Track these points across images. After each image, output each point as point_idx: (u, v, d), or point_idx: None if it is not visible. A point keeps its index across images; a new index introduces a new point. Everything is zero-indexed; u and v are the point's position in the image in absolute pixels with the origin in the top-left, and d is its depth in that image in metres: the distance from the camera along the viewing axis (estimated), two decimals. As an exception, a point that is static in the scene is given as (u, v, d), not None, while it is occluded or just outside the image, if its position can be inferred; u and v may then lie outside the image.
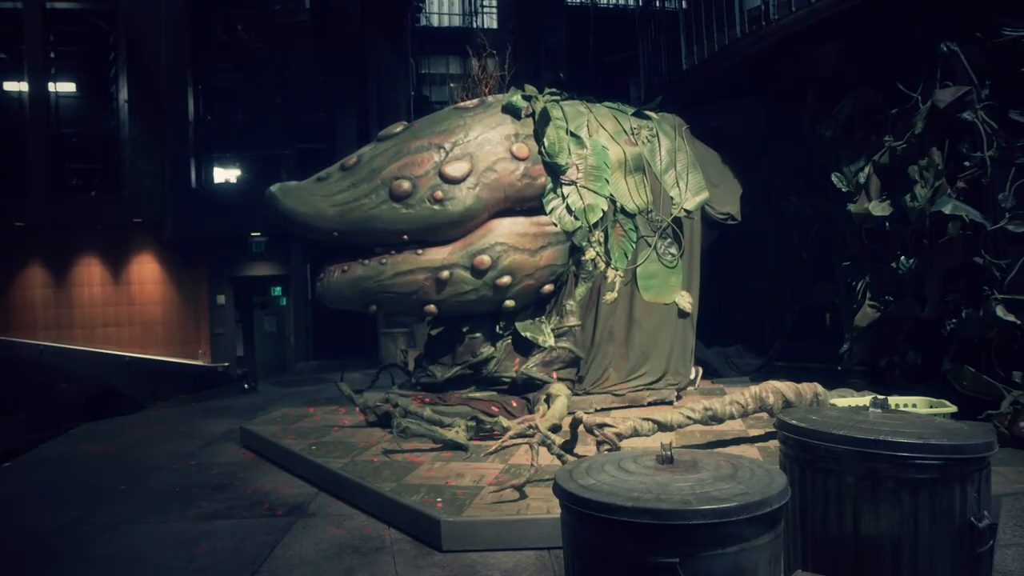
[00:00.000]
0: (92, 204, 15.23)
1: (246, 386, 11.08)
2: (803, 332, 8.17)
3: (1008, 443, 4.94)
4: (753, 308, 8.91)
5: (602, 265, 6.72)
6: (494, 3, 14.46)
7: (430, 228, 6.18)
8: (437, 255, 6.23)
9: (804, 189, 7.87)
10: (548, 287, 6.60)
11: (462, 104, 6.87)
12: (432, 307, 6.36)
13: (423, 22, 15.15)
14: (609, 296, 6.78)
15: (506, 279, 6.31)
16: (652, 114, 7.47)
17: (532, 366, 6.52)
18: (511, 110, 6.62)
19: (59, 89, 15.33)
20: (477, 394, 6.59)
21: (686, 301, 7.10)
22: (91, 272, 15.17)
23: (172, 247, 15.09)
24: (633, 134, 7.00)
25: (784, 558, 2.47)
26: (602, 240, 6.71)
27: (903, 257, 6.35)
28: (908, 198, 6.16)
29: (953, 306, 5.96)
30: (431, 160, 6.19)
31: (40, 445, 7.39)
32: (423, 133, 6.42)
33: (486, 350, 6.64)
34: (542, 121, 6.55)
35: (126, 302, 15.25)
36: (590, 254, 6.67)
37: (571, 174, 6.55)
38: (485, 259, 6.21)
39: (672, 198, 7.07)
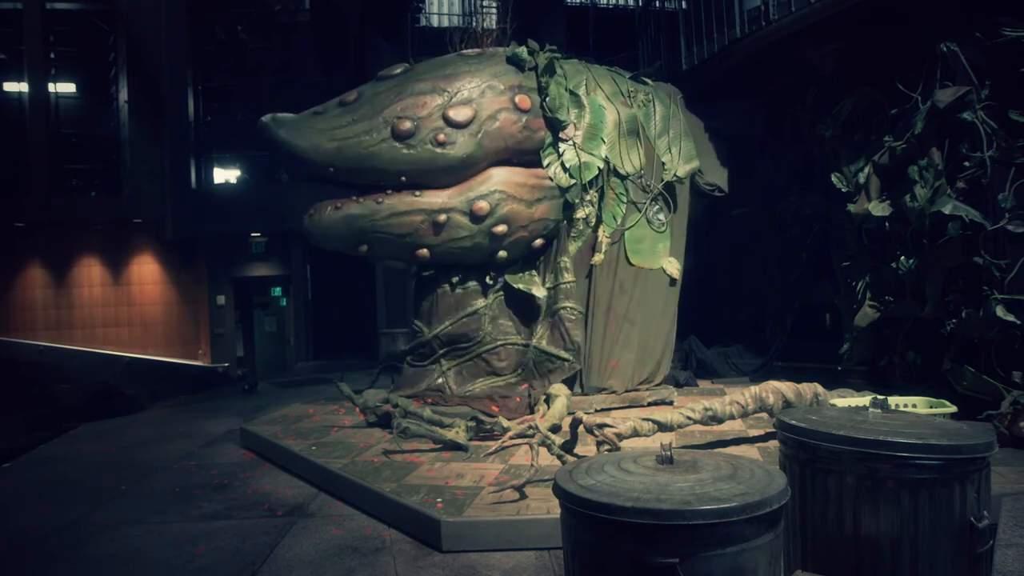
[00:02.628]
0: (92, 204, 15.21)
1: (246, 386, 11.08)
2: (803, 332, 8.17)
3: (1008, 443, 4.94)
4: (753, 308, 8.91)
5: (593, 224, 6.70)
6: (494, 3, 14.45)
7: (430, 171, 6.14)
8: (435, 198, 6.19)
9: (804, 189, 7.87)
10: (539, 241, 6.60)
11: (465, 52, 6.83)
12: (424, 251, 6.30)
13: (423, 22, 15.13)
14: (596, 258, 6.73)
15: (502, 227, 6.30)
16: (648, 80, 7.48)
17: (543, 340, 6.53)
18: (515, 61, 6.62)
19: (59, 89, 15.31)
20: (478, 384, 6.57)
21: (674, 267, 7.09)
22: (91, 272, 15.16)
23: (172, 247, 15.07)
24: (629, 97, 7.00)
25: (784, 558, 2.47)
26: (596, 200, 6.69)
27: (903, 257, 6.34)
28: (908, 198, 6.16)
29: (953, 306, 5.96)
30: (435, 102, 6.16)
31: (40, 445, 7.39)
32: (427, 76, 6.36)
33: (477, 303, 6.62)
34: (547, 72, 6.54)
35: (126, 302, 15.23)
36: (582, 212, 6.65)
37: (569, 131, 6.54)
38: (484, 205, 6.20)
39: (664, 164, 7.06)
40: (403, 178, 6.15)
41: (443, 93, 6.21)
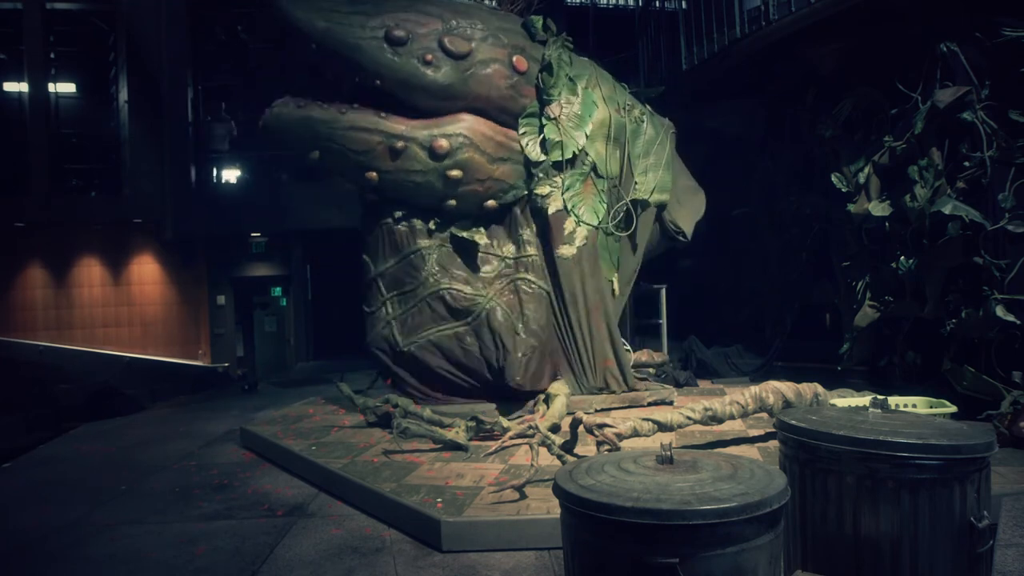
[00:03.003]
0: (92, 204, 15.19)
1: (246, 386, 11.07)
2: (803, 332, 8.18)
3: (1008, 443, 4.94)
4: (753, 308, 8.91)
5: (551, 206, 6.57)
6: (494, 3, 14.46)
7: (407, 86, 6.06)
8: (399, 125, 6.14)
9: (804, 189, 7.87)
10: (492, 203, 6.54)
11: (485, 2, 6.84)
12: (374, 175, 6.23)
13: (423, 22, 15.15)
14: (564, 250, 6.61)
15: (457, 172, 6.22)
16: (648, 105, 7.47)
17: (501, 299, 6.50)
18: (528, 27, 6.64)
19: (59, 89, 15.28)
20: (424, 333, 6.50)
21: (616, 285, 7.00)
22: (91, 272, 15.14)
23: (172, 247, 15.06)
24: (625, 109, 6.99)
25: (784, 558, 2.47)
26: (560, 185, 6.61)
27: (903, 257, 6.35)
28: (908, 198, 6.16)
29: (953, 306, 5.96)
30: (435, 26, 6.13)
31: (40, 445, 7.39)
32: (439, 4, 6.37)
33: (422, 242, 6.55)
34: (554, 46, 6.53)
35: (126, 302, 15.22)
36: (543, 189, 6.57)
37: (555, 109, 6.52)
38: (444, 143, 6.14)
39: (636, 183, 7.01)
40: (378, 82, 6.05)
41: (448, 21, 6.19)
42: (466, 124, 6.25)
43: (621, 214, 6.92)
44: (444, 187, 6.30)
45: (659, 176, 7.11)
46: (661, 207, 7.21)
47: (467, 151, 6.21)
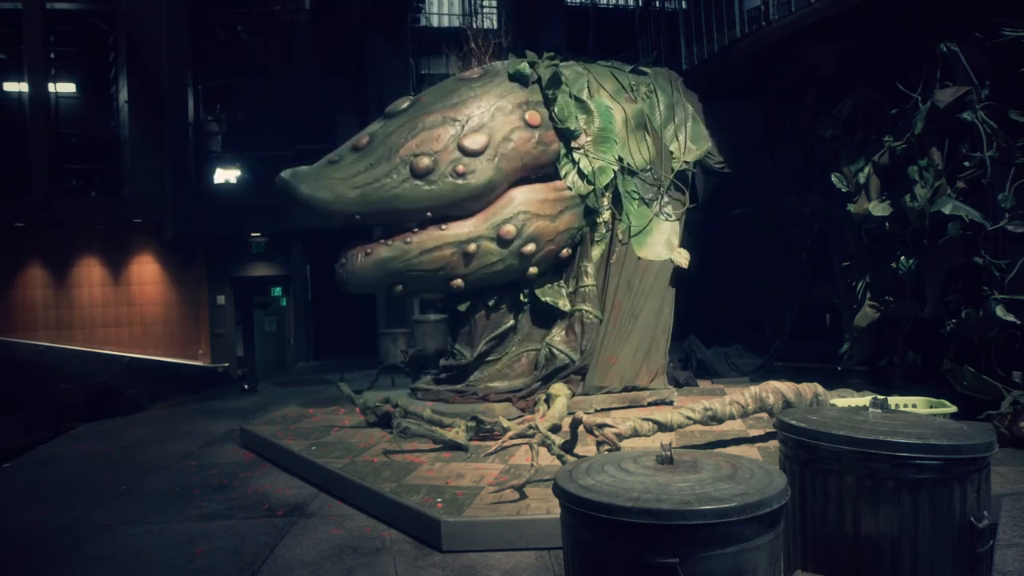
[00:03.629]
0: (92, 204, 15.20)
1: (246, 386, 11.07)
2: (803, 332, 8.17)
3: (1008, 443, 4.94)
4: (753, 308, 8.90)
5: (613, 231, 6.83)
6: (494, 3, 14.44)
7: (454, 203, 6.17)
8: (462, 229, 6.22)
9: (804, 189, 7.87)
10: (566, 251, 6.68)
11: (466, 74, 6.82)
12: (459, 281, 6.34)
13: (423, 22, 15.13)
14: (613, 257, 6.87)
15: (531, 247, 6.35)
16: (647, 70, 7.49)
17: (557, 338, 6.66)
18: (519, 78, 6.62)
19: (59, 89, 15.28)
20: (494, 383, 6.62)
21: (683, 258, 7.12)
22: (91, 272, 15.15)
23: (172, 247, 15.07)
24: (632, 91, 7.03)
25: (784, 558, 2.47)
26: (611, 202, 6.78)
27: (903, 257, 6.34)
28: (908, 198, 6.16)
29: (953, 306, 5.96)
30: (448, 134, 6.17)
31: (40, 445, 7.40)
32: (435, 107, 6.35)
33: (508, 320, 6.70)
34: (553, 84, 6.56)
35: (126, 302, 15.23)
36: (604, 216, 6.75)
37: (581, 140, 6.60)
38: (510, 228, 6.24)
39: (672, 152, 7.10)
40: (429, 214, 6.17)
41: (454, 123, 6.22)
42: (520, 199, 6.36)
43: (668, 194, 7.06)
44: (522, 263, 6.44)
45: (690, 130, 7.23)
46: (703, 158, 7.36)
47: (532, 223, 6.33)
